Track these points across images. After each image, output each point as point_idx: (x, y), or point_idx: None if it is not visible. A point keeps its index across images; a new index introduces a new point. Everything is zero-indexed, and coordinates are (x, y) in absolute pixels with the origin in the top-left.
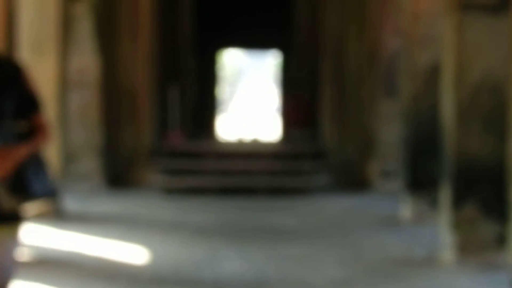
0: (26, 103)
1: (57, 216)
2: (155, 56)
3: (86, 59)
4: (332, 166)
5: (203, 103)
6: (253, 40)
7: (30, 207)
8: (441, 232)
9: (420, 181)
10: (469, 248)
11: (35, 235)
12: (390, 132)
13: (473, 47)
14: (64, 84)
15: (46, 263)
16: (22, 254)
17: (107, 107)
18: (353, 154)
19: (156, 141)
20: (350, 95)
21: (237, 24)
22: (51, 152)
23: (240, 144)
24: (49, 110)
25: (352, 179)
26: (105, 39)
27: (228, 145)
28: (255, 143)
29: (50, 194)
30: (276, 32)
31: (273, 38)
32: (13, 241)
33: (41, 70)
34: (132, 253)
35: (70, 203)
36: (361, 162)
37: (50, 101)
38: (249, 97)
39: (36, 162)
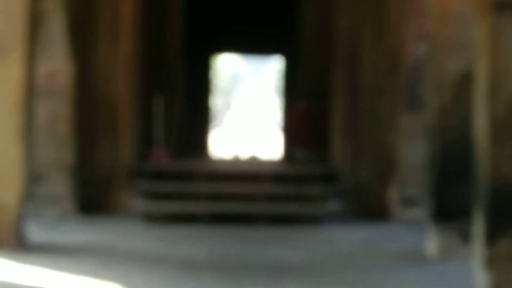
0: None
1: (18, 246)
2: (138, 61)
3: (57, 63)
4: (344, 191)
5: (193, 116)
6: (252, 44)
7: None
8: (474, 270)
9: (449, 209)
10: None
11: None
12: (413, 151)
13: (510, 53)
14: (31, 91)
15: None
16: None
17: (80, 119)
18: (369, 177)
19: (138, 160)
20: (366, 108)
21: (233, 25)
22: (12, 171)
23: (236, 163)
24: (12, 121)
25: (368, 207)
26: (80, 40)
27: (222, 164)
28: (253, 162)
29: None
30: (278, 35)
31: (275, 42)
32: None
33: (4, 75)
34: None
35: (35, 231)
36: (378, 186)
37: (14, 110)
38: (247, 109)
39: None
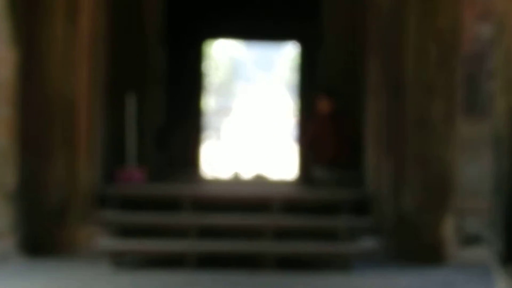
0: None
1: None
2: (104, 48)
3: None
4: (382, 224)
5: (179, 122)
6: (257, 28)
7: None
8: None
9: None
10: None
11: None
12: (474, 170)
13: None
14: None
15: None
16: None
17: (25, 126)
18: (416, 205)
19: (104, 182)
20: (411, 111)
21: (233, 3)
22: None
23: (237, 185)
24: None
25: (415, 245)
26: (26, 21)
27: (218, 187)
28: (259, 184)
29: None
30: (293, 16)
31: (288, 25)
32: None
33: None
34: None
35: None
36: (428, 217)
37: None
38: (251, 112)
39: None
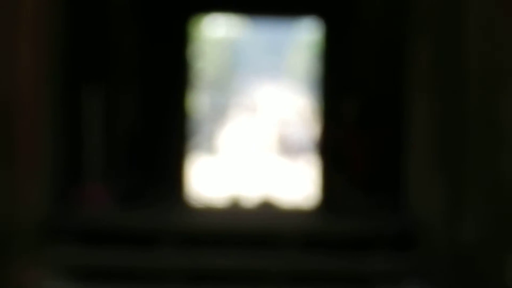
0: None
1: None
2: (57, 28)
3: None
4: (433, 264)
5: (159, 127)
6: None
7: None
8: None
9: None
10: None
11: None
12: None
13: None
14: None
15: None
16: None
17: None
18: (480, 239)
19: (55, 207)
20: (475, 112)
21: None
22: None
23: (236, 214)
24: None
25: None
26: None
27: (211, 215)
28: (266, 211)
29: None
30: None
31: None
32: None
33: None
34: None
35: None
36: (497, 255)
37: None
38: (255, 115)
39: None
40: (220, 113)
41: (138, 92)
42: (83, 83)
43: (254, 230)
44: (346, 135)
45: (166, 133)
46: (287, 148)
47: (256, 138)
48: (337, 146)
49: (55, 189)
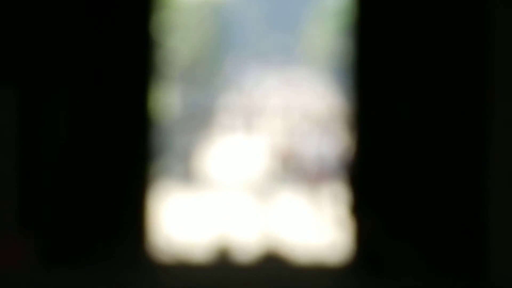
0: None
1: None
2: None
3: None
4: None
5: (103, 145)
6: None
7: None
8: None
9: None
10: None
11: None
12: None
13: None
14: None
15: None
16: None
17: None
18: None
19: None
20: None
21: None
22: None
23: (224, 271)
24: None
25: None
26: None
27: (185, 274)
28: (269, 268)
29: None
30: None
31: None
32: None
33: None
34: None
35: None
36: None
37: None
38: (254, 122)
39: None
40: (200, 119)
41: (73, 94)
42: None
43: None
44: (393, 153)
45: (117, 153)
46: (302, 172)
47: (254, 158)
48: (378, 170)
49: None
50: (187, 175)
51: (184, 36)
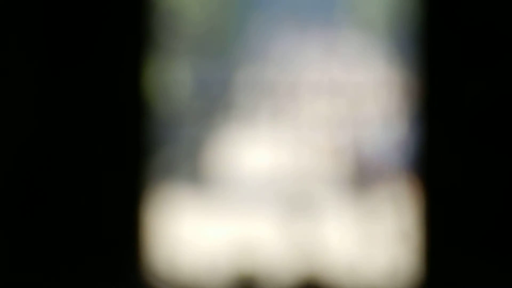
0: None
1: None
2: None
3: None
4: None
5: (86, 138)
6: None
7: None
8: None
9: None
10: None
11: None
12: None
13: None
14: None
15: None
16: None
17: None
18: None
19: None
20: None
21: None
22: None
23: None
24: None
25: None
26: None
27: None
28: None
29: None
30: None
31: None
32: None
33: None
34: None
35: None
36: None
37: None
38: (291, 108)
39: None
40: (214, 102)
41: (40, 72)
42: None
43: None
44: (470, 145)
45: (103, 149)
46: (352, 173)
47: (286, 153)
48: (452, 169)
49: None
50: (196, 176)
51: (182, 6)
